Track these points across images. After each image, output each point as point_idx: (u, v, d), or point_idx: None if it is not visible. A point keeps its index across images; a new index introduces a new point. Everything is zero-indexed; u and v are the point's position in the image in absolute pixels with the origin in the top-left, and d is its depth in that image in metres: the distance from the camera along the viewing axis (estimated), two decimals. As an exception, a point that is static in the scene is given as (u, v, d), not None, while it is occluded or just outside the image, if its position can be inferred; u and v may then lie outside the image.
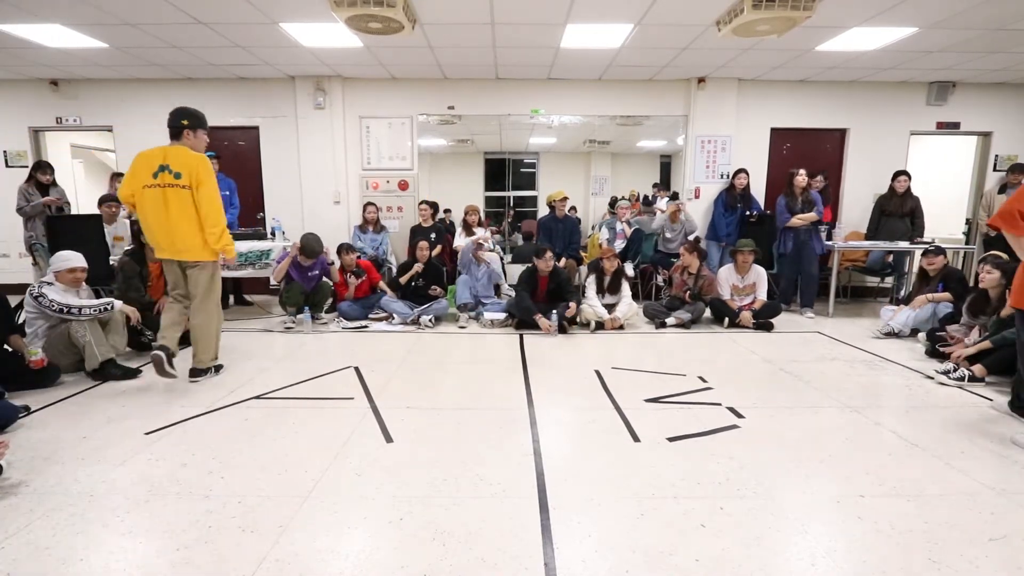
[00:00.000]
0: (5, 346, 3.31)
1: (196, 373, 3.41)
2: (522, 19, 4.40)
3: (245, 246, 5.18)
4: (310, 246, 4.90)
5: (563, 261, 5.74)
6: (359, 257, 5.43)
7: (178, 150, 3.23)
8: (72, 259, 3.52)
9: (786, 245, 5.51)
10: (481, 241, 5.44)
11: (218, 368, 3.55)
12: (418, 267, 5.16)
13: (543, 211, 6.88)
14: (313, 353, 4.14)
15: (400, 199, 6.43)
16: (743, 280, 5.02)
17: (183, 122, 3.26)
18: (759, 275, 5.02)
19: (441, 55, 5.38)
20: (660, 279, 5.93)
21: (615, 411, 2.92)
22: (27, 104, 6.26)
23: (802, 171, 5.45)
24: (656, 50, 5.20)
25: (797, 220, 5.36)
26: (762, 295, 4.99)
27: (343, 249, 5.22)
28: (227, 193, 5.67)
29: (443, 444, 2.51)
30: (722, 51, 5.19)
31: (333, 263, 5.23)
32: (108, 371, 3.45)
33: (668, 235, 6.04)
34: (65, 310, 3.36)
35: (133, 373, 3.51)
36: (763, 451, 2.44)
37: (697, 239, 5.79)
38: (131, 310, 3.72)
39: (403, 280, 5.17)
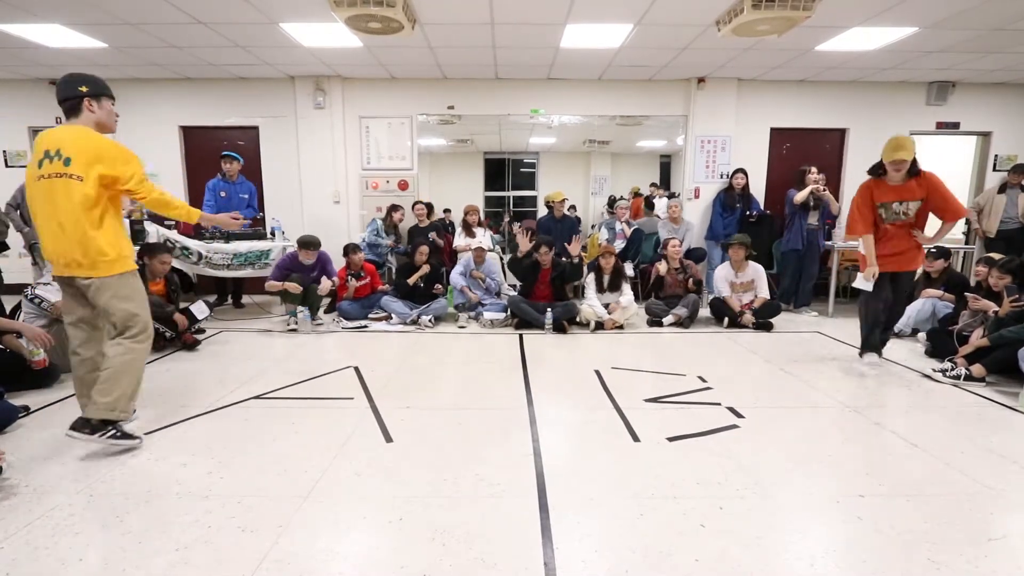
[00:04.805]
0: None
1: (81, 425, 2.36)
2: (522, 19, 4.40)
3: (245, 246, 5.19)
4: (307, 239, 4.94)
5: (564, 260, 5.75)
6: (367, 260, 5.44)
7: (66, 130, 2.36)
8: None
9: (796, 242, 5.51)
10: (478, 276, 5.40)
11: (123, 435, 2.40)
12: (426, 268, 5.16)
13: (543, 211, 6.88)
14: (313, 353, 4.14)
15: (400, 199, 6.43)
16: (740, 277, 5.02)
17: (81, 89, 2.35)
18: (756, 272, 5.02)
19: (441, 55, 5.38)
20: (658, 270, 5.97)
21: (615, 411, 2.92)
22: (27, 104, 6.26)
23: (814, 168, 5.50)
24: (656, 50, 5.20)
25: (806, 191, 5.40)
26: (763, 292, 4.99)
27: (350, 249, 5.23)
28: (246, 196, 5.69)
29: (443, 444, 2.51)
30: (722, 51, 5.19)
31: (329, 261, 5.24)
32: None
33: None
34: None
35: None
36: (763, 451, 2.44)
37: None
38: None
39: (412, 281, 5.16)
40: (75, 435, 2.35)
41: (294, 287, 4.79)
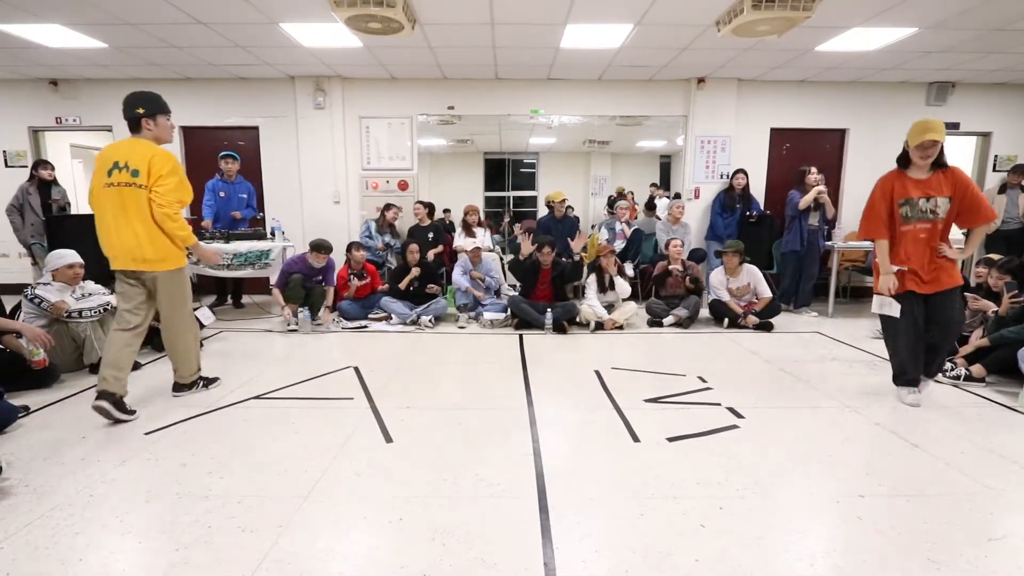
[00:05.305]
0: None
1: (179, 388, 3.14)
2: (522, 19, 4.40)
3: (245, 246, 5.19)
4: (319, 243, 4.93)
5: (564, 260, 5.75)
6: (368, 260, 5.44)
7: (135, 144, 2.80)
8: (68, 255, 3.53)
9: (796, 243, 5.51)
10: (477, 275, 5.39)
11: (208, 381, 3.24)
12: (416, 271, 5.16)
13: (543, 211, 6.88)
14: (313, 353, 4.14)
15: (400, 199, 6.43)
16: (734, 282, 5.03)
17: (138, 111, 2.81)
18: (752, 274, 5.02)
19: (441, 55, 5.38)
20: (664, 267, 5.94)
21: (615, 411, 2.92)
22: (27, 104, 6.26)
23: (813, 169, 5.50)
24: (656, 50, 5.20)
25: (811, 196, 5.36)
26: (764, 292, 4.99)
27: (353, 247, 5.23)
28: (244, 196, 5.72)
29: (443, 444, 2.51)
30: (722, 51, 5.19)
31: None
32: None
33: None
34: (65, 315, 3.37)
35: (135, 365, 3.54)
36: (763, 451, 2.44)
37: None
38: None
39: (402, 285, 5.17)
40: (180, 395, 3.11)
41: (292, 310, 4.86)
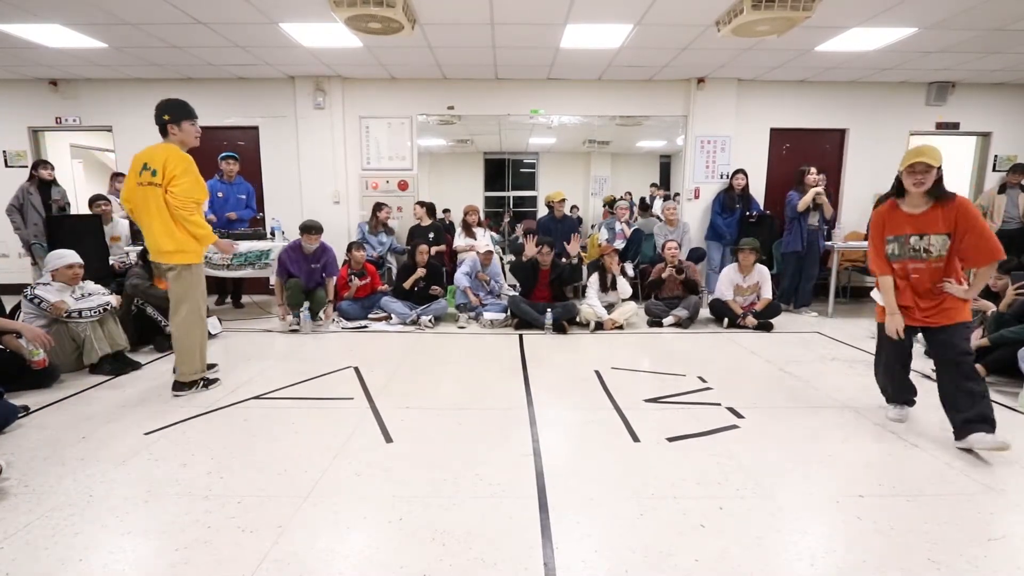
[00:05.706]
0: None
1: (178, 387, 3.15)
2: (522, 19, 4.40)
3: (245, 246, 5.18)
4: (308, 223, 4.93)
5: (563, 261, 5.75)
6: (367, 260, 5.43)
7: (159, 147, 3.03)
8: (68, 256, 3.54)
9: (796, 243, 5.50)
10: (484, 277, 5.40)
11: (208, 382, 3.24)
12: (421, 271, 5.16)
13: (543, 211, 6.88)
14: (313, 353, 4.14)
15: (400, 199, 6.43)
16: (746, 280, 5.02)
17: (165, 117, 3.04)
18: (762, 275, 5.01)
19: (441, 55, 5.38)
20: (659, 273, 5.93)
21: (615, 411, 2.92)
22: (27, 104, 6.26)
23: (813, 169, 5.50)
24: (656, 50, 5.20)
25: (808, 197, 5.35)
26: (767, 293, 4.99)
27: (353, 246, 5.23)
28: (243, 196, 5.70)
29: (443, 444, 2.51)
30: (722, 51, 5.19)
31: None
32: (109, 366, 3.48)
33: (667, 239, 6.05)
34: (64, 315, 3.37)
35: (135, 365, 3.54)
36: (763, 451, 2.44)
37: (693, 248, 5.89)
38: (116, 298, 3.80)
39: (407, 285, 5.16)
40: (180, 394, 3.13)
41: (287, 311, 4.89)
